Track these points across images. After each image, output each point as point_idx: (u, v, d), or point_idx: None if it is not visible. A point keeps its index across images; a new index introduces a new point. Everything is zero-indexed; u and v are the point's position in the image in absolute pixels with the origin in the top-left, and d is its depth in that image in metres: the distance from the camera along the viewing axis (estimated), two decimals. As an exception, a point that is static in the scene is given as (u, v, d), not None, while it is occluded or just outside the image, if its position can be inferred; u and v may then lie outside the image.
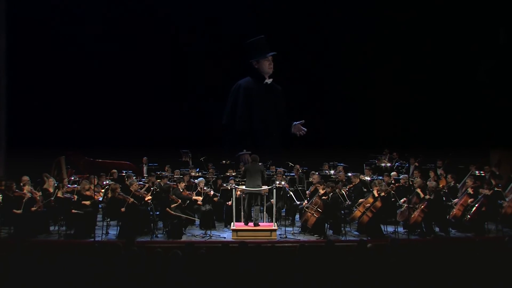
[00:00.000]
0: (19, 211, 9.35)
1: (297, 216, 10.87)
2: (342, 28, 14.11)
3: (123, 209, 9.42)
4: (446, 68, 13.89)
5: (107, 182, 10.84)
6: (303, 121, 14.23)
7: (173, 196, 9.82)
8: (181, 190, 10.11)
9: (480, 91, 13.61)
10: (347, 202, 10.14)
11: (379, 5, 13.97)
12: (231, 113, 14.44)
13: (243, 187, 9.87)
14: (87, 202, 9.55)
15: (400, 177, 10.89)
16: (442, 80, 13.87)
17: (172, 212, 9.57)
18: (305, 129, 14.23)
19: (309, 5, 14.26)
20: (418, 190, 9.93)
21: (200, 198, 10.27)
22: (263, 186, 9.73)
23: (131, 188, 9.80)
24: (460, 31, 13.68)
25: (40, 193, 9.92)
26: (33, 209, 9.49)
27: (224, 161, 12.92)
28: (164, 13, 14.10)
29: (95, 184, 9.96)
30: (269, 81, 14.40)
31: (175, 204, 9.71)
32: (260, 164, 10.00)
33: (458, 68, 13.78)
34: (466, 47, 13.71)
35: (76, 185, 10.39)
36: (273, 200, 9.95)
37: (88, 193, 9.70)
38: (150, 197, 10.10)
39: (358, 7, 14.06)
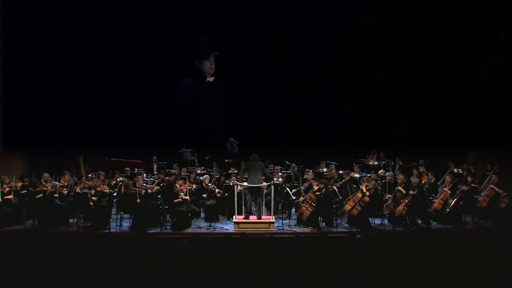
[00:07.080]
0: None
1: (293, 209, 10.90)
2: (337, 27, 13.53)
3: (138, 200, 9.49)
4: (439, 70, 13.25)
5: (121, 178, 10.87)
6: (237, 143, 13.77)
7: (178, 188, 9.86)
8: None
9: (467, 92, 13.12)
10: (338, 198, 10.17)
11: (377, 3, 13.30)
12: (174, 112, 13.77)
13: (245, 183, 9.83)
14: (94, 198, 9.61)
15: (386, 174, 10.93)
16: (431, 83, 13.32)
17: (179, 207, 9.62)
18: (237, 149, 13.67)
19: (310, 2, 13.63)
20: (400, 188, 10.00)
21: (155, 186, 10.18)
22: (263, 182, 9.75)
23: (137, 184, 9.83)
24: (459, 31, 13.07)
25: (60, 184, 10.07)
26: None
27: (227, 160, 12.90)
28: (167, 11, 13.58)
29: (108, 179, 10.03)
30: (211, 79, 13.66)
31: (178, 199, 9.74)
32: (260, 162, 10.02)
33: (454, 69, 13.16)
34: (465, 48, 13.06)
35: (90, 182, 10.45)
36: (270, 191, 9.97)
37: (98, 189, 9.78)
38: (157, 187, 10.21)
39: (357, 5, 13.35)
